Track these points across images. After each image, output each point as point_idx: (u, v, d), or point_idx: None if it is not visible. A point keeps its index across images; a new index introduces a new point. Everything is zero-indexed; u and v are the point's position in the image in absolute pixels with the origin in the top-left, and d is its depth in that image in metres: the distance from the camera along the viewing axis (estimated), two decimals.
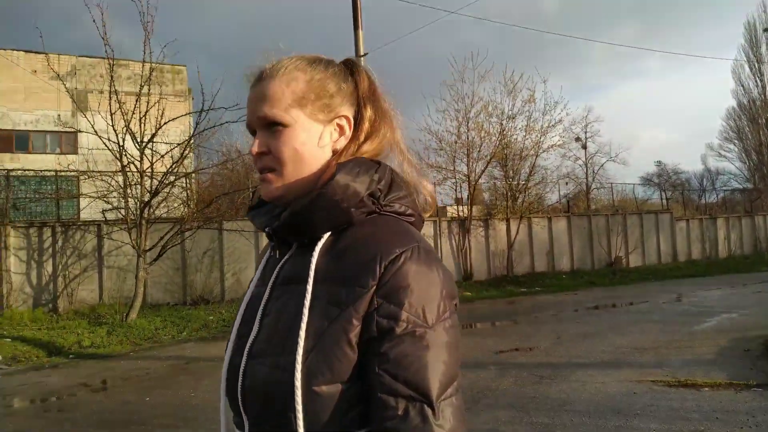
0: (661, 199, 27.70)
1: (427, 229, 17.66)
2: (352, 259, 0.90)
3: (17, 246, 12.76)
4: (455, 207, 19.59)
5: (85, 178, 13.69)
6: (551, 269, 19.78)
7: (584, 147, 25.56)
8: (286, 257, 0.98)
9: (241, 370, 0.93)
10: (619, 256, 21.49)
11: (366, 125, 1.02)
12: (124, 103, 11.06)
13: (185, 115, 13.98)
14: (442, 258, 16.50)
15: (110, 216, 12.83)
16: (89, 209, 13.88)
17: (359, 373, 0.86)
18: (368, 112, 1.02)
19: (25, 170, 15.55)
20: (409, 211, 1.00)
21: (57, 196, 14.35)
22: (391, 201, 0.97)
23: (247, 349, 0.93)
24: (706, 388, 5.47)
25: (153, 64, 11.24)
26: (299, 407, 0.83)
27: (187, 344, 9.84)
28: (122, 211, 12.10)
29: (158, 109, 11.18)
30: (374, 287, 0.86)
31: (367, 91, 1.03)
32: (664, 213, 23.86)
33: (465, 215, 18.44)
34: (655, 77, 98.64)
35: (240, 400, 0.93)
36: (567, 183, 22.50)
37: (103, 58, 11.50)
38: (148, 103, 11.12)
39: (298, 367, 0.84)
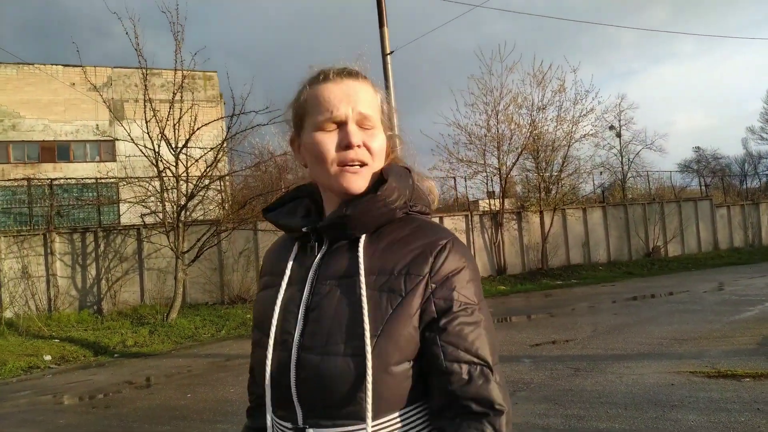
0: (701, 185, 26.97)
1: (459, 224, 17.61)
2: (402, 253, 1.00)
3: (62, 251, 13.26)
4: (487, 201, 19.45)
5: (124, 185, 14.14)
6: (587, 261, 19.48)
7: (618, 135, 25.14)
8: (319, 255, 1.04)
9: (293, 363, 0.97)
10: (658, 246, 21.01)
11: (392, 144, 1.14)
12: (158, 110, 11.36)
13: (217, 120, 14.28)
14: (475, 253, 16.51)
15: (149, 220, 13.21)
16: (129, 214, 14.32)
17: (421, 350, 0.97)
18: (389, 131, 1.13)
19: (67, 179, 16.15)
20: (427, 210, 1.11)
21: (98, 202, 14.83)
22: (415, 202, 1.09)
23: (296, 343, 0.98)
24: (747, 379, 5.34)
25: (185, 72, 11.51)
26: (370, 387, 0.92)
27: (225, 342, 10.08)
28: (160, 215, 12.44)
29: (191, 115, 11.45)
30: (428, 275, 0.97)
31: (389, 112, 1.14)
32: (703, 200, 23.21)
33: (497, 209, 18.30)
34: (689, 60, 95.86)
35: (295, 391, 0.97)
36: (601, 173, 22.13)
37: (137, 68, 11.84)
38: (181, 109, 11.40)
39: (369, 349, 0.92)
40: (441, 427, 0.96)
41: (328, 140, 1.02)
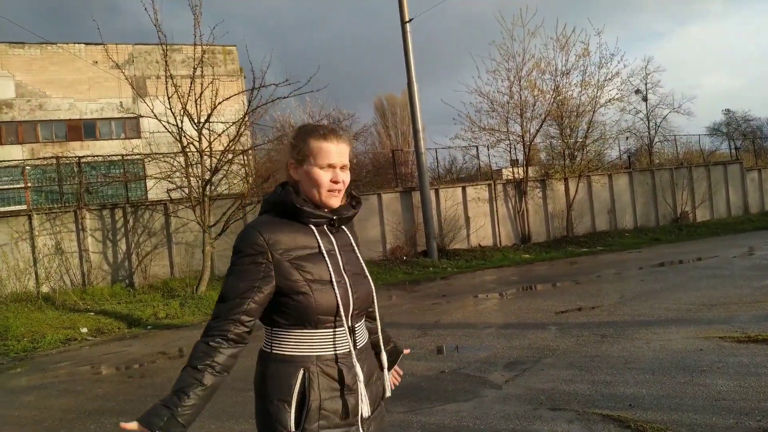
0: (730, 148, 26.29)
1: (482, 193, 17.52)
2: (354, 231, 1.92)
3: (93, 227, 13.58)
4: (510, 169, 19.26)
5: (149, 161, 14.33)
6: (613, 228, 19.26)
7: (645, 99, 24.53)
8: (333, 235, 1.79)
9: (350, 292, 1.71)
10: (686, 211, 20.65)
11: None
12: (179, 86, 11.42)
13: (238, 94, 14.30)
14: (499, 221, 16.47)
15: (175, 195, 13.41)
16: (155, 190, 14.57)
17: None
18: None
19: (94, 156, 16.41)
20: None
21: (125, 178, 15.09)
22: None
23: (349, 283, 1.72)
24: None
25: (204, 47, 11.50)
26: (374, 294, 1.87)
27: None
28: (186, 190, 12.62)
29: (212, 90, 11.49)
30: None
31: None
32: (733, 164, 22.64)
33: (521, 177, 18.12)
34: (718, 19, 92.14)
35: (352, 307, 1.71)
36: (627, 138, 21.68)
37: (157, 44, 11.87)
38: (202, 84, 11.44)
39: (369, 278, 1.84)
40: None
41: (325, 176, 1.74)
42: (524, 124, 17.99)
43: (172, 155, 13.09)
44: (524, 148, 18.15)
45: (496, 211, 17.65)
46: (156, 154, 13.74)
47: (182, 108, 11.42)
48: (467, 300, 9.89)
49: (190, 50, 11.81)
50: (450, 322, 7.97)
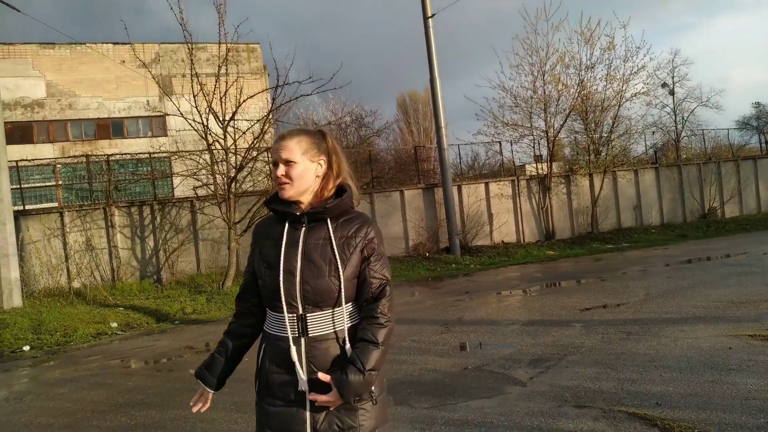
0: (760, 143, 25.65)
1: (505, 189, 17.42)
2: (349, 226, 1.90)
3: (122, 224, 13.87)
4: (534, 165, 19.10)
5: (176, 158, 14.58)
6: (639, 224, 18.99)
7: (672, 93, 24.06)
8: (304, 228, 1.89)
9: (298, 282, 1.83)
10: (714, 207, 20.26)
11: (334, 164, 1.97)
12: (204, 84, 11.58)
13: (262, 91, 14.44)
14: (523, 217, 16.37)
15: (201, 192, 13.62)
16: (182, 187, 14.80)
17: (358, 274, 1.90)
18: (333, 157, 1.98)
19: (122, 154, 16.74)
20: (354, 206, 1.99)
21: (152, 176, 15.37)
22: (351, 203, 1.97)
23: (299, 273, 1.84)
24: None
25: (228, 45, 11.64)
26: (343, 288, 1.84)
27: None
28: (211, 187, 12.80)
29: (237, 88, 11.63)
30: (362, 238, 1.90)
31: (332, 147, 1.98)
32: (763, 158, 22.11)
33: (545, 173, 17.96)
34: (747, 10, 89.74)
35: (300, 297, 1.83)
36: (654, 132, 21.31)
37: (182, 43, 12.05)
38: (227, 83, 11.58)
39: (341, 272, 1.84)
40: (363, 327, 1.87)
41: (274, 172, 1.94)
42: (548, 119, 17.84)
43: (197, 153, 13.30)
44: (548, 143, 17.98)
45: (520, 207, 17.53)
46: (182, 151, 13.97)
47: (207, 106, 11.59)
48: (490, 297, 9.86)
49: (215, 48, 11.98)
50: (473, 318, 7.96)
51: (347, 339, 1.87)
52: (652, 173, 19.72)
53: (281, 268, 1.84)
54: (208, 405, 2.05)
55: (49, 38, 23.75)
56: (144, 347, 8.24)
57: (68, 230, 13.37)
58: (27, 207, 14.03)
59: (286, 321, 1.84)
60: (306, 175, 1.90)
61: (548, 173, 17.77)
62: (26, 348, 8.66)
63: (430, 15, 15.42)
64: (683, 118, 24.73)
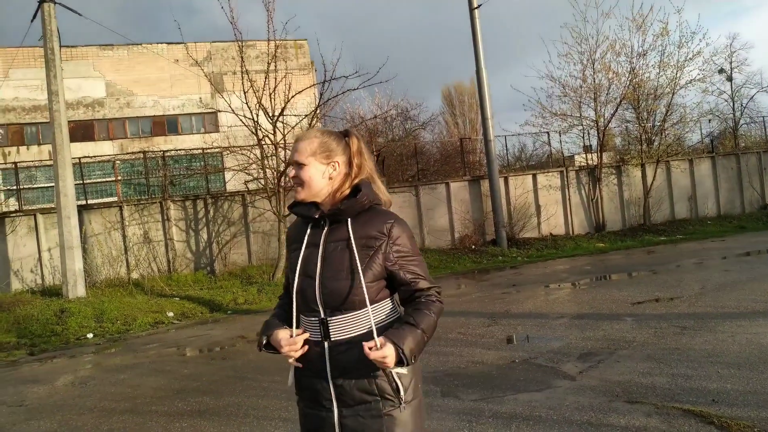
0: None
1: (554, 181, 17.11)
2: (371, 226, 1.83)
3: (176, 217, 14.38)
4: (583, 155, 18.65)
5: (228, 154, 14.96)
6: (694, 215, 18.30)
7: (729, 79, 22.93)
8: (326, 230, 1.85)
9: (317, 285, 1.80)
10: None
11: (355, 166, 1.91)
12: (254, 81, 11.84)
13: (310, 87, 14.64)
14: (572, 209, 16.02)
15: (252, 186, 13.95)
16: (233, 181, 15.21)
17: (385, 275, 1.83)
18: (356, 159, 1.91)
19: (177, 150, 17.30)
20: (380, 203, 1.91)
21: (205, 171, 15.84)
22: (376, 199, 1.89)
23: (318, 275, 1.81)
24: None
25: (277, 42, 11.85)
26: (365, 290, 1.77)
27: None
28: (262, 181, 13.10)
29: (285, 84, 11.85)
30: (385, 237, 1.82)
31: (356, 147, 1.92)
32: None
33: (595, 163, 17.53)
34: None
35: (320, 300, 1.80)
36: (710, 120, 20.42)
37: (233, 41, 12.34)
38: (276, 79, 11.81)
39: (362, 276, 1.77)
40: (412, 305, 1.85)
41: (290, 173, 1.92)
42: (598, 108, 17.36)
43: (248, 148, 13.62)
44: (598, 133, 17.52)
45: (569, 198, 17.19)
46: (233, 147, 14.33)
47: (257, 102, 11.85)
48: (538, 290, 9.75)
49: (264, 46, 12.23)
50: (520, 311, 7.90)
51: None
52: (708, 163, 18.95)
53: (301, 271, 1.83)
54: (299, 345, 1.83)
55: (105, 40, 24.69)
56: (198, 336, 8.55)
57: (127, 223, 13.95)
58: (89, 201, 14.71)
59: (312, 324, 1.83)
60: (315, 176, 1.86)
61: (598, 164, 17.33)
62: (90, 336, 9.13)
63: (476, 5, 15.24)
64: (742, 105, 23.54)
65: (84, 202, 14.13)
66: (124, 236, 13.91)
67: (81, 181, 14.54)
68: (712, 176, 18.85)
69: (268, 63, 11.70)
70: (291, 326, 1.89)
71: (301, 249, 1.87)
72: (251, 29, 23.75)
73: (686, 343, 5.42)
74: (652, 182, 17.60)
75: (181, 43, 14.54)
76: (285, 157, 12.48)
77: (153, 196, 14.79)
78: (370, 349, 1.68)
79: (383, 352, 1.67)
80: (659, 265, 11.11)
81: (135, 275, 13.55)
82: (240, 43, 11.94)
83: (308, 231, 1.89)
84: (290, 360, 1.85)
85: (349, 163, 1.90)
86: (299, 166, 1.86)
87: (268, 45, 11.77)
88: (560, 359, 5.32)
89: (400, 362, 1.71)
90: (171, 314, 10.28)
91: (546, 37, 37.62)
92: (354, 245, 1.79)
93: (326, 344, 1.80)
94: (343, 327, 1.79)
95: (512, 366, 5.28)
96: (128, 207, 14.11)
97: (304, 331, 1.85)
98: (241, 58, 11.81)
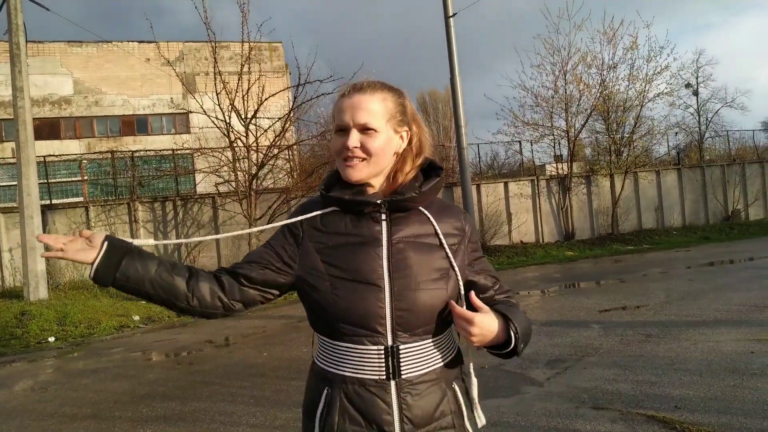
0: None
1: (525, 189, 17.33)
2: (448, 219, 1.43)
3: (145, 219, 14.11)
4: (554, 165, 18.95)
5: (198, 155, 14.77)
6: (660, 225, 18.75)
7: (695, 93, 23.66)
8: (385, 224, 1.37)
9: (390, 302, 1.30)
10: (738, 209, 19.92)
11: (414, 138, 1.44)
12: (227, 82, 11.72)
13: (284, 90, 14.56)
14: (542, 217, 16.23)
15: (223, 189, 13.78)
16: (204, 183, 15.01)
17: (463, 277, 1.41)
18: (414, 128, 1.44)
19: (146, 151, 17.01)
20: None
21: (175, 172, 15.60)
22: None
23: (391, 290, 1.31)
24: None
25: (251, 44, 11.76)
26: (465, 305, 1.36)
27: (298, 304, 10.39)
28: (233, 184, 12.96)
29: (259, 86, 11.75)
30: (466, 234, 1.45)
31: (413, 114, 1.44)
32: None
33: (565, 173, 17.82)
34: None
35: (390, 321, 1.31)
36: (677, 133, 20.99)
37: (206, 41, 12.21)
38: (249, 81, 11.70)
39: (461, 284, 1.37)
40: (503, 301, 1.46)
41: (338, 141, 1.36)
42: (569, 118, 17.68)
43: (220, 150, 13.47)
44: (569, 143, 17.83)
45: (539, 207, 17.43)
46: (205, 148, 14.15)
47: (230, 104, 11.73)
48: None
49: (238, 47, 12.11)
50: None
51: (462, 379, 1.42)
52: (675, 174, 19.45)
53: (354, 275, 1.32)
54: (65, 250, 1.33)
55: (74, 36, 24.17)
56: (165, 340, 8.37)
57: (93, 224, 13.63)
58: (54, 201, 14.33)
59: (366, 356, 1.31)
60: (388, 149, 1.37)
61: (568, 173, 17.63)
62: (51, 339, 8.86)
63: (451, 14, 15.37)
64: (707, 119, 24.32)
65: (48, 202, 13.75)
66: None
67: (45, 181, 14.15)
68: (678, 188, 19.35)
69: (242, 65, 11.60)
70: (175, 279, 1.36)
71: (357, 245, 1.34)
72: (225, 28, 23.57)
73: (651, 351, 5.52)
74: (621, 192, 17.97)
75: (153, 41, 14.33)
76: (257, 160, 12.36)
77: (121, 197, 14.49)
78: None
79: (481, 319, 1.29)
80: (626, 273, 11.33)
81: None
82: (213, 43, 11.82)
83: (348, 222, 1.38)
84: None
85: (410, 136, 1.44)
86: (367, 131, 1.34)
87: (242, 47, 11.67)
88: (529, 366, 5.37)
89: (501, 347, 1.34)
90: (137, 318, 10.05)
91: (520, 48, 38.28)
92: (445, 244, 1.37)
93: (392, 384, 1.31)
94: (419, 358, 1.33)
95: (481, 372, 5.30)
96: (95, 208, 13.78)
97: (341, 367, 1.34)
98: (215, 58, 11.68)
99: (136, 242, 1.38)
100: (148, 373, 6.45)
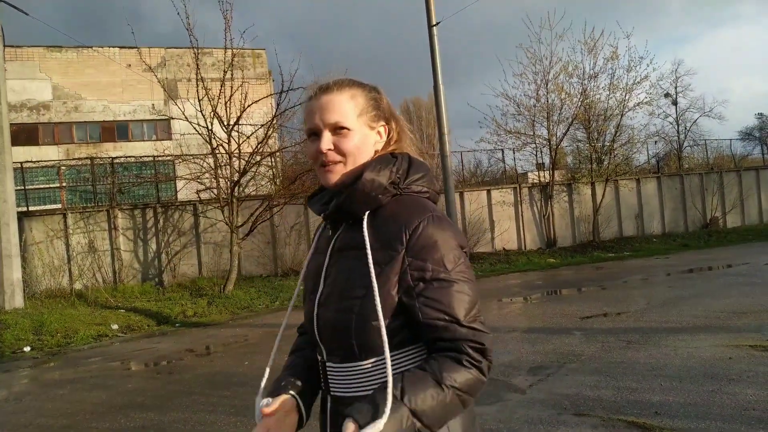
0: (763, 153, 25.65)
1: (507, 197, 17.44)
2: (384, 231, 1.19)
3: (124, 226, 13.91)
4: (536, 173, 19.11)
5: (180, 162, 14.62)
6: (641, 233, 18.98)
7: (674, 103, 24.08)
8: (337, 233, 1.29)
9: (315, 314, 1.25)
10: (716, 217, 20.24)
11: (392, 133, 1.34)
12: (209, 89, 11.65)
13: (267, 97, 14.50)
14: (525, 225, 16.31)
15: (204, 196, 13.66)
16: (185, 190, 14.86)
17: (402, 310, 1.17)
18: (392, 124, 1.34)
19: (126, 157, 16.79)
20: (424, 189, 1.29)
21: (156, 179, 15.42)
22: (410, 183, 1.26)
23: (317, 301, 1.26)
24: None
25: (234, 50, 11.71)
26: (383, 332, 1.14)
27: (279, 312, 10.42)
28: (215, 191, 12.85)
29: (242, 93, 11.69)
30: (403, 250, 1.16)
31: (389, 109, 1.34)
32: (765, 169, 22.10)
33: (547, 181, 17.99)
34: (749, 21, 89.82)
35: (317, 335, 1.25)
36: (656, 142, 21.31)
37: (189, 47, 12.13)
38: (232, 87, 11.65)
39: (378, 305, 1.14)
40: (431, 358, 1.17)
41: (312, 147, 1.27)
42: (551, 127, 17.86)
43: (201, 156, 13.35)
44: (551, 151, 18.00)
45: (522, 214, 17.54)
46: (186, 155, 14.02)
47: (212, 110, 11.65)
48: (491, 304, 9.85)
49: (221, 53, 12.05)
50: None
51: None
52: (654, 182, 19.73)
53: (307, 287, 1.34)
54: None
55: (53, 41, 23.90)
56: (144, 350, 8.25)
57: (71, 232, 13.41)
58: (31, 208, 14.09)
59: (319, 370, 1.31)
60: (364, 148, 1.27)
61: (550, 181, 17.79)
62: (27, 349, 8.68)
63: (435, 23, 15.48)
64: (686, 128, 24.75)
65: (25, 209, 13.51)
66: (67, 245, 13.35)
67: (22, 187, 13.91)
68: (658, 196, 19.62)
69: (225, 71, 11.54)
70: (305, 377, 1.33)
71: (313, 254, 1.36)
72: (207, 34, 23.50)
73: (631, 357, 5.57)
74: (602, 200, 18.17)
75: (134, 47, 14.20)
76: (239, 167, 12.27)
77: (100, 203, 14.29)
78: None
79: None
80: (607, 280, 11.43)
81: (78, 286, 13.00)
82: (196, 50, 11.74)
83: (320, 232, 1.39)
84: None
85: (388, 132, 1.33)
86: (339, 132, 1.24)
87: (225, 53, 11.62)
88: (511, 372, 5.37)
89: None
90: (115, 327, 9.89)
91: (502, 57, 38.68)
92: (370, 255, 1.16)
93: (328, 398, 1.27)
94: (346, 380, 1.22)
95: None
96: (73, 215, 13.57)
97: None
98: (197, 65, 11.60)
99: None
100: (127, 382, 6.35)
